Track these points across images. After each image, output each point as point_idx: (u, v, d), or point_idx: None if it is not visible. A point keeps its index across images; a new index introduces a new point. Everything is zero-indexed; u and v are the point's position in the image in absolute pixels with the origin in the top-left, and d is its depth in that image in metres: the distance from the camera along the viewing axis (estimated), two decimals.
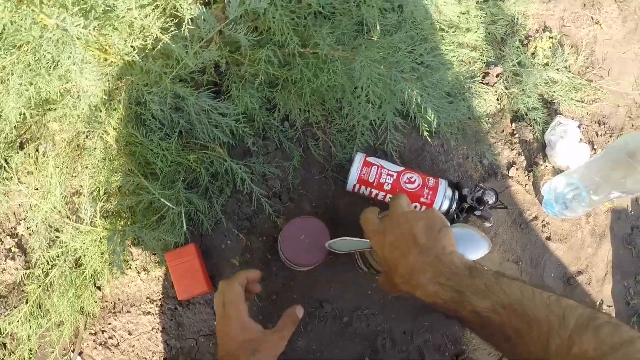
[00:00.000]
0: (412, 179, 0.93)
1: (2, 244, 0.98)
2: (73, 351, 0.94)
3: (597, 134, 1.18)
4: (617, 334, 0.48)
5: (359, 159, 0.94)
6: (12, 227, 0.99)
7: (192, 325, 0.94)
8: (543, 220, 1.07)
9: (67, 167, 0.96)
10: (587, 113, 1.18)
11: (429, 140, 1.02)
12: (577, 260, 1.08)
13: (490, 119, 1.09)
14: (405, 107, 0.88)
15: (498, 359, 1.00)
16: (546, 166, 1.09)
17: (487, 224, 1.01)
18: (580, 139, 1.10)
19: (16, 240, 0.98)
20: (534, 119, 1.10)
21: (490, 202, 0.92)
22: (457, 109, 0.87)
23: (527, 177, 1.08)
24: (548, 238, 1.06)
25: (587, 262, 1.08)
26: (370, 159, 0.94)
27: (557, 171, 1.09)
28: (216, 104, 0.84)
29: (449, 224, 0.65)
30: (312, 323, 0.94)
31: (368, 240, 0.71)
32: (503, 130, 1.10)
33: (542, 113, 1.11)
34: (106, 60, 0.83)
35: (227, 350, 0.69)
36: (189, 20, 0.76)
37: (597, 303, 1.07)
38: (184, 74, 0.85)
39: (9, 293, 0.97)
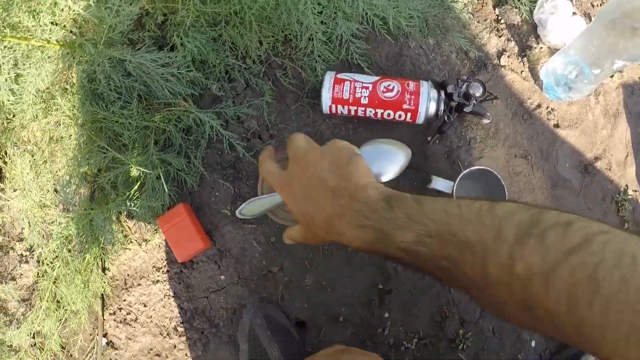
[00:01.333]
0: (390, 87, 0.86)
1: (14, 252, 0.98)
2: (98, 335, 0.94)
3: (592, 5, 1.06)
4: (567, 237, 0.37)
5: (328, 77, 0.87)
6: (19, 233, 0.99)
7: (201, 284, 0.93)
8: (547, 107, 0.98)
9: (44, 161, 0.94)
10: None
11: (393, 40, 0.94)
12: (593, 145, 0.99)
13: (470, 7, 0.99)
14: (353, 10, 0.80)
15: None
16: (541, 48, 0.99)
17: (485, 121, 0.93)
18: (574, 12, 1.00)
19: (25, 244, 0.98)
20: (519, 0, 1.00)
21: (478, 94, 0.84)
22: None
23: (521, 63, 0.99)
24: (556, 125, 0.98)
25: (604, 146, 0.99)
26: (342, 75, 0.88)
27: (553, 51, 0.99)
28: (155, 56, 0.79)
29: (357, 150, 0.58)
30: (316, 258, 0.91)
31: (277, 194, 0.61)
32: (486, 18, 1.00)
33: None
34: (33, 46, 0.78)
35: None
36: None
37: (622, 189, 0.99)
38: (117, 37, 0.80)
39: (30, 295, 0.98)
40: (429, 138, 0.93)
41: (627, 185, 0.99)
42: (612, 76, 1.00)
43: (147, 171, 0.86)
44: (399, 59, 0.96)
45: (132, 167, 0.86)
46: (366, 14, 0.76)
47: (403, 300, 0.91)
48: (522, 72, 0.98)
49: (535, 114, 0.97)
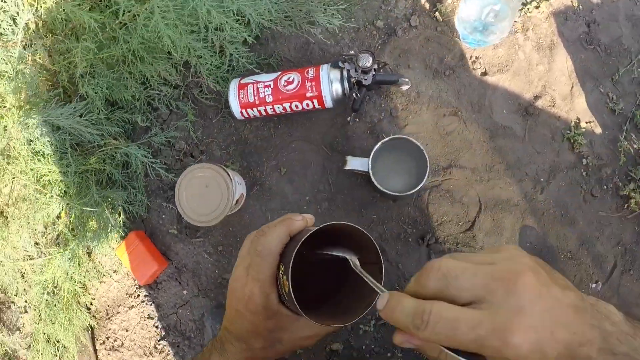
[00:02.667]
0: (290, 79, 0.87)
1: (15, 305, 1.10)
2: None
3: None
4: None
5: (233, 85, 0.90)
6: (16, 287, 1.10)
7: (168, 302, 0.98)
8: (471, 56, 0.93)
9: (18, 218, 1.04)
10: None
11: (297, 31, 0.94)
12: (530, 85, 0.92)
13: None
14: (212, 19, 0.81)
15: (470, 227, 0.89)
16: None
17: (404, 87, 0.91)
18: None
19: (21, 297, 1.09)
20: None
21: (368, 65, 0.82)
22: None
23: (434, 19, 0.94)
24: (484, 74, 0.92)
25: (543, 82, 0.92)
26: (245, 80, 0.90)
27: None
28: (61, 110, 0.85)
29: None
30: None
31: None
32: None
33: None
34: None
35: (238, 330, 0.54)
36: None
37: (572, 123, 0.91)
38: (34, 100, 0.88)
39: (32, 340, 1.09)
40: (348, 118, 0.92)
41: (578, 118, 0.91)
42: (538, 7, 0.93)
43: (92, 210, 0.93)
44: (307, 48, 0.96)
45: (79, 208, 0.94)
46: (223, 21, 0.78)
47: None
48: (436, 27, 0.94)
49: (458, 67, 0.93)
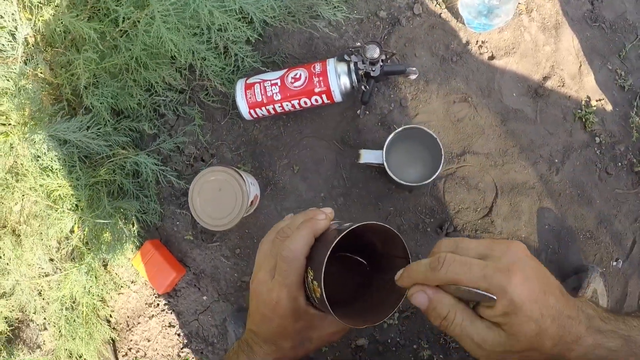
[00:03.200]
0: (297, 76, 0.86)
1: (34, 323, 1.09)
2: None
3: None
4: None
5: (240, 85, 0.89)
6: (34, 305, 1.09)
7: (188, 309, 0.98)
8: (477, 41, 0.92)
9: (31, 236, 1.03)
10: None
11: (301, 27, 0.93)
12: (538, 66, 0.92)
13: None
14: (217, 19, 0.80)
15: (487, 212, 0.89)
16: None
17: (412, 76, 0.90)
18: None
19: (39, 314, 1.08)
20: None
21: (376, 55, 0.81)
22: None
23: (437, 5, 0.93)
24: (491, 57, 0.92)
25: (551, 63, 0.91)
26: (251, 79, 0.89)
27: None
28: (67, 124, 0.84)
29: None
30: None
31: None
32: None
33: None
34: None
35: (266, 333, 0.53)
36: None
37: (583, 102, 0.90)
38: (38, 115, 0.87)
39: (54, 357, 1.08)
40: (358, 111, 0.91)
41: (588, 97, 0.91)
42: None
43: (105, 221, 0.93)
44: (311, 44, 0.95)
45: (92, 221, 0.93)
46: (228, 20, 0.77)
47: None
48: (440, 14, 0.93)
49: (465, 52, 0.92)
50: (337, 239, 0.46)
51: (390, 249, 0.52)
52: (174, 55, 0.90)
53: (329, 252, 0.45)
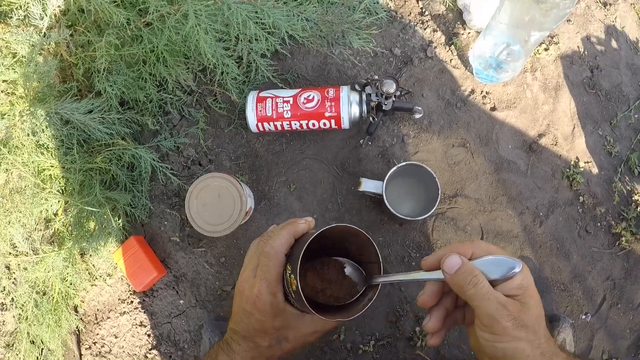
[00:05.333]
0: (310, 97, 0.88)
1: None
2: None
3: None
4: None
5: (251, 97, 0.90)
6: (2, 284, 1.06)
7: (163, 311, 0.96)
8: (482, 91, 0.97)
9: (8, 212, 1.00)
10: None
11: (317, 50, 0.95)
12: (535, 123, 0.97)
13: (391, 5, 1.00)
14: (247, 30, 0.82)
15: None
16: (469, 33, 0.99)
17: (417, 115, 0.93)
18: None
19: (4, 293, 1.05)
20: None
21: (392, 90, 0.85)
22: (305, 9, 0.80)
23: (449, 52, 0.98)
24: (493, 108, 0.96)
25: (547, 122, 0.97)
26: (263, 93, 0.90)
27: None
28: (78, 105, 0.83)
29: None
30: None
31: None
32: (410, 13, 1.00)
33: None
34: None
35: (245, 330, 0.56)
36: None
37: (572, 162, 0.96)
38: (47, 90, 0.86)
39: (14, 339, 1.04)
40: (361, 141, 0.94)
41: (577, 158, 0.96)
42: (547, 49, 0.98)
43: (94, 210, 0.91)
44: (324, 68, 0.97)
45: (80, 207, 0.92)
46: (259, 32, 0.78)
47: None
48: (451, 60, 0.98)
49: (469, 100, 0.96)
50: (316, 233, 0.51)
51: (365, 255, 0.57)
52: (191, 56, 0.91)
53: (305, 247, 0.50)
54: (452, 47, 0.98)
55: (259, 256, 0.55)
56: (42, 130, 0.90)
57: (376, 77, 0.86)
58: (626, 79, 0.99)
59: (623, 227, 0.93)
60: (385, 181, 0.84)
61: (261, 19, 0.77)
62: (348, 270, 0.60)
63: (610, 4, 1.03)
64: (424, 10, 1.00)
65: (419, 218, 0.83)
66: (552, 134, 0.96)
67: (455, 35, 0.98)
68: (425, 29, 0.99)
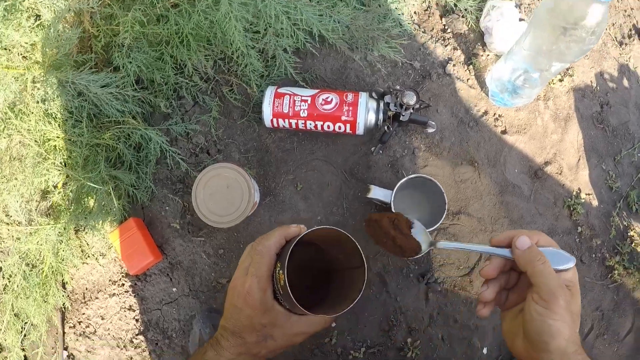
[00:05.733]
0: (328, 99, 0.88)
1: None
2: (59, 348, 0.97)
3: (532, 12, 1.06)
4: None
5: (269, 92, 0.90)
6: None
7: (154, 297, 0.95)
8: (494, 113, 0.98)
9: (6, 180, 0.98)
10: None
11: (338, 53, 0.96)
12: (542, 150, 0.98)
13: (415, 18, 1.01)
14: (280, 25, 0.82)
15: (468, 272, 0.93)
16: (487, 55, 1.00)
17: (430, 129, 0.94)
18: (521, 19, 1.00)
19: None
20: (465, 9, 1.01)
21: (412, 102, 0.85)
22: (338, 12, 0.80)
23: (467, 71, 0.99)
24: (504, 132, 0.98)
25: (555, 150, 0.99)
26: (282, 89, 0.90)
27: (499, 59, 0.99)
28: (96, 77, 0.82)
29: None
30: None
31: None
32: (433, 28, 1.02)
33: (474, 1, 1.01)
34: None
35: (234, 325, 0.59)
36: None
37: (574, 193, 0.98)
38: (64, 59, 0.84)
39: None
40: (372, 148, 0.94)
41: (579, 189, 0.98)
42: (561, 80, 1.00)
43: (97, 187, 0.90)
44: (343, 72, 0.98)
45: (83, 182, 0.90)
46: (290, 27, 0.79)
47: (349, 309, 0.92)
48: (468, 80, 0.99)
49: (482, 121, 0.98)
50: (304, 233, 0.57)
51: (351, 261, 0.62)
52: (213, 42, 0.90)
53: (293, 243, 0.55)
54: (471, 66, 0.99)
55: (252, 255, 0.60)
56: (53, 99, 0.88)
57: (398, 87, 0.87)
58: (634, 118, 1.02)
59: (617, 260, 0.96)
60: (394, 191, 0.85)
61: (293, 15, 0.77)
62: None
63: (626, 44, 1.06)
64: (446, 27, 1.01)
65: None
66: (558, 163, 0.98)
67: (475, 56, 1.00)
68: (446, 46, 1.00)
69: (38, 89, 0.86)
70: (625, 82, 1.03)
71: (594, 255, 0.97)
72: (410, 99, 0.85)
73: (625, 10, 1.09)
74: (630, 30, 1.08)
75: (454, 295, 0.92)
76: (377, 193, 0.86)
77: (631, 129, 1.01)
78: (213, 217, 0.84)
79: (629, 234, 0.97)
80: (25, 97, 0.91)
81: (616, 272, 0.95)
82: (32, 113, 0.91)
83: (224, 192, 0.84)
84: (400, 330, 0.91)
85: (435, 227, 0.84)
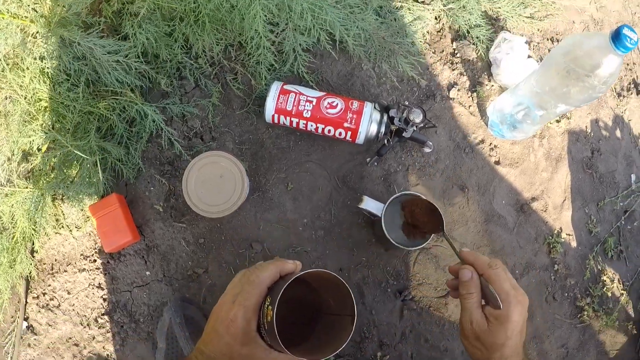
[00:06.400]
0: (334, 104, 0.88)
1: None
2: (19, 318, 0.93)
3: (549, 51, 1.08)
4: None
5: (275, 87, 0.89)
6: None
7: (125, 278, 0.92)
8: (490, 143, 1.00)
9: None
10: (538, 30, 1.09)
11: (347, 59, 0.96)
12: (531, 186, 1.00)
13: (427, 37, 1.02)
14: (303, 22, 0.81)
15: (445, 294, 0.94)
16: (492, 86, 1.02)
17: (427, 149, 0.95)
18: (529, 56, 1.02)
19: None
20: (477, 37, 1.02)
21: (417, 120, 0.86)
22: (363, 19, 0.80)
23: (470, 98, 1.01)
24: (497, 162, 0.99)
25: (543, 188, 1.01)
26: (288, 87, 0.89)
27: (503, 91, 1.01)
28: (104, 42, 0.79)
29: None
30: (242, 265, 0.91)
31: None
32: (443, 50, 1.03)
33: (486, 30, 1.03)
34: None
35: (212, 351, 0.57)
36: None
37: (555, 231, 1.00)
38: (72, 18, 0.81)
39: None
40: (368, 159, 0.94)
41: (561, 228, 1.00)
42: (559, 121, 1.03)
43: (84, 156, 0.87)
44: (349, 79, 0.97)
45: (70, 149, 0.87)
46: (314, 26, 0.78)
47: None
48: (469, 106, 1.00)
49: (477, 148, 0.99)
50: (302, 273, 0.55)
51: (342, 308, 0.61)
52: (228, 27, 0.88)
53: (289, 282, 0.53)
54: (474, 94, 1.01)
55: (243, 284, 0.58)
56: (53, 57, 0.85)
57: (407, 103, 0.87)
58: (621, 168, 1.05)
59: (587, 302, 0.98)
60: (386, 205, 0.85)
61: (318, 15, 0.76)
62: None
63: (624, 96, 1.09)
64: (456, 51, 1.03)
65: (410, 248, 0.84)
66: (544, 201, 1.00)
67: (480, 84, 1.01)
68: (453, 70, 1.01)
69: (39, 45, 0.83)
70: (618, 133, 1.07)
71: (566, 294, 0.99)
72: (417, 116, 0.85)
73: (628, 64, 1.12)
74: (630, 84, 1.11)
75: (428, 315, 0.93)
76: (369, 204, 0.85)
77: (617, 178, 1.04)
78: (201, 205, 0.82)
79: (602, 278, 1.00)
80: (24, 51, 0.88)
81: (585, 313, 0.98)
82: (28, 69, 0.87)
83: (216, 182, 0.82)
84: (371, 343, 0.91)
85: (421, 246, 0.84)
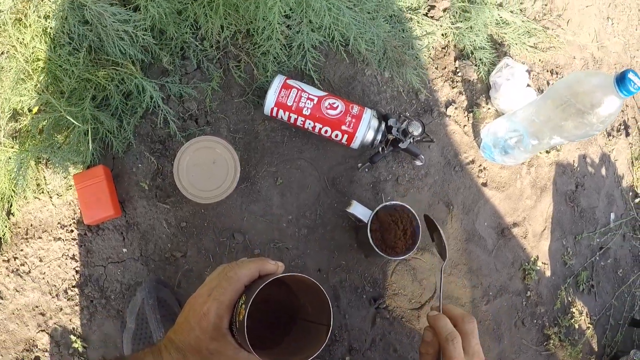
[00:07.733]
0: (334, 105, 0.88)
1: None
2: None
3: (548, 83, 1.11)
4: None
5: (278, 80, 0.89)
6: None
7: (101, 252, 0.91)
8: (480, 165, 1.01)
9: None
10: (540, 60, 1.11)
11: (351, 63, 0.96)
12: (514, 212, 1.02)
13: (432, 52, 1.03)
14: (319, 20, 0.81)
15: (418, 307, 0.95)
16: (488, 109, 1.03)
17: (418, 162, 0.96)
18: (528, 85, 1.04)
19: None
20: (480, 59, 1.04)
21: (416, 133, 0.86)
22: (378, 25, 0.81)
23: (466, 117, 1.02)
24: (484, 184, 1.01)
25: (525, 215, 1.03)
26: (291, 82, 0.89)
27: (499, 115, 1.03)
28: (115, 9, 0.78)
29: None
30: (221, 253, 0.90)
31: None
32: (445, 67, 1.04)
33: (490, 53, 1.05)
34: None
35: (181, 342, 0.56)
36: None
37: (532, 259, 1.02)
38: None
39: None
40: (359, 165, 0.95)
41: (537, 256, 1.02)
42: (548, 152, 1.05)
43: (76, 123, 0.85)
44: (351, 82, 0.98)
45: (62, 114, 0.85)
46: (330, 25, 0.78)
47: None
48: (464, 126, 1.02)
49: (467, 168, 1.00)
50: (281, 275, 0.54)
51: (318, 316, 0.59)
52: (242, 13, 0.88)
53: (265, 283, 0.51)
54: (471, 114, 1.02)
55: (221, 279, 0.57)
56: (59, 18, 0.83)
57: (407, 114, 0.88)
58: (602, 205, 1.08)
59: (554, 331, 1.00)
60: (373, 212, 0.85)
61: (334, 14, 0.77)
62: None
63: (613, 136, 1.12)
64: (458, 70, 1.04)
65: (391, 257, 0.85)
66: (525, 227, 1.02)
67: (477, 106, 1.03)
68: (453, 88, 1.03)
69: (46, 2, 0.81)
70: (603, 171, 1.09)
71: (535, 321, 1.01)
72: (417, 129, 0.86)
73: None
74: (620, 125, 1.15)
75: (400, 326, 0.93)
76: (357, 210, 0.86)
77: (597, 214, 1.07)
78: (191, 188, 0.81)
79: (571, 309, 1.03)
80: (29, 8, 0.86)
81: (552, 341, 1.00)
82: (30, 27, 0.85)
83: (209, 167, 0.82)
84: (341, 347, 0.91)
85: (403, 257, 0.85)
